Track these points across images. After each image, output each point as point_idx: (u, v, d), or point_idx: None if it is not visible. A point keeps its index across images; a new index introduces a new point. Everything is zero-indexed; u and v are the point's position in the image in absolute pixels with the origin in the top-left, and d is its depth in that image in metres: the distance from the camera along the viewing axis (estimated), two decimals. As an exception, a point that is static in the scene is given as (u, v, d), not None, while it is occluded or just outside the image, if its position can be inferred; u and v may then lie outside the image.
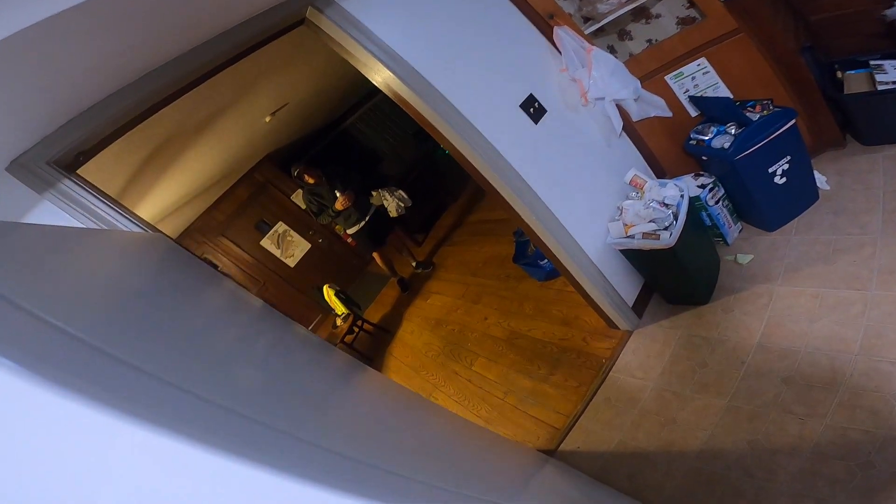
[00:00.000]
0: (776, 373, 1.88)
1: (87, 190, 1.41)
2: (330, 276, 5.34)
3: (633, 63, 2.51)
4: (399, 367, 3.87)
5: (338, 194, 4.23)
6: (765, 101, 2.27)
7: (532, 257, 3.34)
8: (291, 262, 6.16)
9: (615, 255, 2.44)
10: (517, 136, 2.21)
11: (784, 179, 2.26)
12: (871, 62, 2.39)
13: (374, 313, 5.17)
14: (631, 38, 2.54)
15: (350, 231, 4.60)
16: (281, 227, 6.10)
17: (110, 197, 1.48)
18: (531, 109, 2.26)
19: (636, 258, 2.40)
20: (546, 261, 3.18)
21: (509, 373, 2.89)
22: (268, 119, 4.07)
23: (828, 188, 2.38)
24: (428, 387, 3.31)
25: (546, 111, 2.31)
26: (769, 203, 2.33)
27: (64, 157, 1.38)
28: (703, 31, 2.36)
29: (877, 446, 1.49)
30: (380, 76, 2.00)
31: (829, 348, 1.82)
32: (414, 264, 5.13)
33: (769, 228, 2.42)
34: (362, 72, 2.04)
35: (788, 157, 2.23)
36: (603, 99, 2.40)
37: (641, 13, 2.44)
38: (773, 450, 1.69)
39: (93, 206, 1.41)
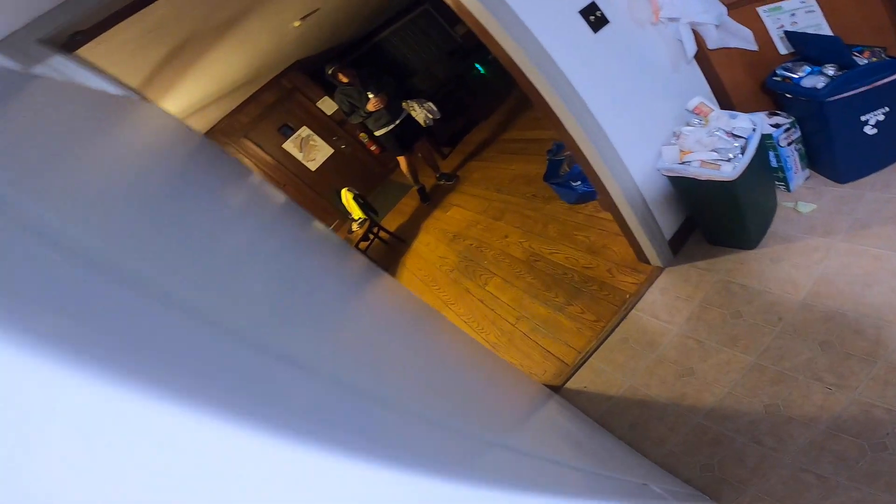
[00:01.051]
0: (815, 335, 1.72)
1: (85, 68, 1.22)
2: (350, 181, 5.27)
3: None
4: (411, 280, 3.80)
5: (370, 95, 4.21)
6: (876, 49, 1.92)
7: (564, 177, 3.11)
8: (313, 166, 6.15)
9: (661, 183, 2.22)
10: (573, 44, 1.93)
11: (875, 131, 1.97)
12: None
13: (392, 222, 5.07)
14: None
15: (378, 133, 4.57)
16: (304, 131, 6.06)
17: (116, 78, 1.29)
18: (591, 17, 1.95)
19: (686, 188, 2.17)
20: (579, 182, 2.95)
21: (524, 297, 2.78)
22: (297, 24, 3.84)
23: None
24: (438, 303, 3.24)
25: (608, 21, 1.99)
26: (850, 153, 2.06)
27: (58, 36, 1.21)
28: None
29: (896, 428, 1.37)
30: None
31: (879, 316, 1.65)
32: (437, 175, 5.03)
33: (841, 180, 2.15)
34: None
35: (887, 109, 1.93)
36: (678, 20, 2.07)
37: None
38: (789, 417, 1.58)
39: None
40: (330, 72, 4.27)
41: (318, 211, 5.85)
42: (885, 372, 1.51)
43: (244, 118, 5.73)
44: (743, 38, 2.18)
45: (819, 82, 1.94)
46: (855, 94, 1.89)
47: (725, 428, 1.68)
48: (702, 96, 2.19)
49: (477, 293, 3.07)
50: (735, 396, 1.74)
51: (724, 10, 2.11)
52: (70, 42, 1.25)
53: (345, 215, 4.95)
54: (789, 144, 2.16)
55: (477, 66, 5.97)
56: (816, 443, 1.47)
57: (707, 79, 2.37)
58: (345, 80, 4.23)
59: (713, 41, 2.21)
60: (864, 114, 1.95)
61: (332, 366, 0.52)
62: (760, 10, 2.11)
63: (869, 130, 1.98)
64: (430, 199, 4.93)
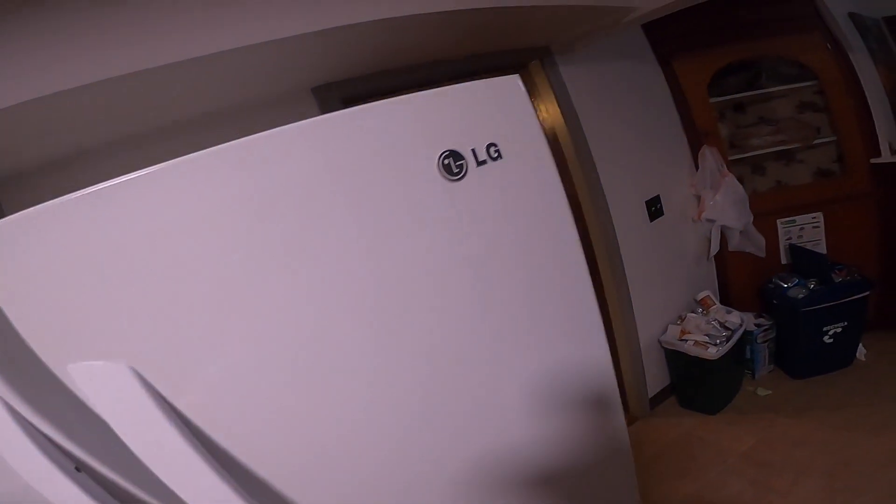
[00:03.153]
0: (747, 476, 2.20)
1: None
2: None
3: (755, 197, 2.74)
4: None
5: None
6: (852, 267, 2.59)
7: None
8: None
9: (658, 352, 2.78)
10: (630, 221, 2.57)
11: (832, 340, 2.58)
12: None
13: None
14: (763, 174, 2.87)
15: None
16: None
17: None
18: (653, 208, 2.63)
19: (675, 360, 2.71)
20: None
21: None
22: None
23: (863, 360, 2.71)
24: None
25: (663, 214, 2.68)
26: (809, 356, 2.64)
27: (349, 97, 1.81)
28: (835, 186, 2.66)
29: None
30: (548, 111, 2.41)
31: (801, 467, 2.15)
32: None
33: (796, 377, 2.73)
34: (537, 104, 2.40)
35: (845, 323, 2.55)
36: (714, 221, 2.69)
37: (785, 155, 2.78)
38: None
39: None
40: None
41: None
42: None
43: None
44: (756, 246, 2.73)
45: (801, 293, 2.56)
46: (823, 308, 2.49)
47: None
48: (709, 290, 2.83)
49: None
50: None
51: (751, 218, 2.67)
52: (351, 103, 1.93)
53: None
54: (764, 342, 2.77)
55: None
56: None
57: (718, 274, 3.00)
58: None
59: (734, 244, 2.75)
60: (826, 325, 2.54)
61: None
62: (779, 220, 2.76)
63: (826, 339, 2.56)
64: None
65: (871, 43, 2.81)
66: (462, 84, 0.91)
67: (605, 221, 2.48)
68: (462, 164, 0.88)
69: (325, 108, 1.79)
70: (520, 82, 0.97)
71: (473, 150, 0.89)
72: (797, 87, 2.72)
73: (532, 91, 2.42)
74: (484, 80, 0.93)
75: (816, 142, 2.70)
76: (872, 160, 2.58)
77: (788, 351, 2.76)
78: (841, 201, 2.68)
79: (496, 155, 0.92)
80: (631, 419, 2.79)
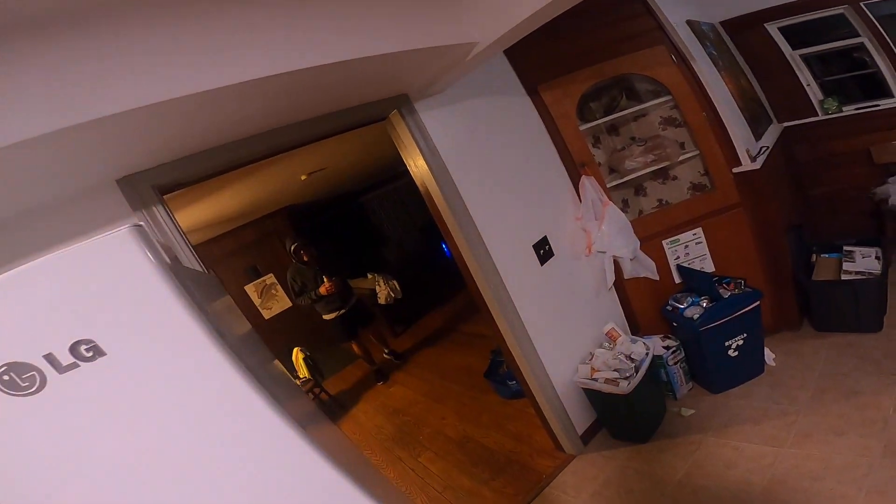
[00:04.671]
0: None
1: (169, 217, 1.62)
2: (298, 337, 5.31)
3: (639, 222, 2.78)
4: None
5: (325, 279, 4.28)
6: (738, 280, 2.64)
7: (503, 376, 3.53)
8: (267, 314, 6.18)
9: (577, 390, 2.68)
10: (521, 270, 2.50)
11: (737, 353, 2.58)
12: (845, 247, 2.77)
13: (333, 386, 5.15)
14: (645, 195, 2.92)
15: (327, 317, 4.62)
16: (270, 279, 6.20)
17: (182, 230, 1.67)
18: (541, 251, 2.59)
19: (594, 397, 2.64)
20: (514, 382, 3.30)
21: (453, 470, 2.95)
22: (304, 177, 4.25)
23: (773, 364, 2.71)
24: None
25: (553, 255, 2.63)
26: (719, 371, 2.63)
27: (166, 185, 1.64)
28: (708, 201, 2.70)
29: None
30: (417, 166, 2.28)
31: (736, 489, 2.06)
32: (386, 352, 5.20)
33: (714, 391, 2.69)
34: (405, 157, 2.32)
35: (745, 335, 2.56)
36: (604, 253, 2.69)
37: (661, 173, 2.83)
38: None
39: (168, 232, 1.60)
40: (292, 248, 4.32)
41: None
42: None
43: (217, 250, 5.71)
44: (648, 269, 2.77)
45: (696, 313, 2.56)
46: (720, 324, 2.50)
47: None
48: (613, 321, 2.78)
49: (409, 462, 3.19)
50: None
51: (637, 244, 2.70)
52: (168, 190, 1.64)
53: (290, 371, 5.02)
54: (675, 364, 2.72)
55: (445, 247, 6.43)
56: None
57: (621, 303, 2.99)
58: (305, 258, 4.29)
59: (627, 271, 2.77)
60: (727, 340, 2.54)
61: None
62: (665, 241, 2.79)
63: (732, 353, 2.56)
64: (388, 379, 4.83)
65: (710, 49, 2.88)
66: (25, 267, 0.67)
67: (490, 274, 2.39)
68: (33, 376, 0.65)
69: (137, 200, 1.50)
70: (133, 236, 0.72)
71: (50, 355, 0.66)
72: (657, 104, 2.76)
73: (397, 144, 2.27)
74: (71, 247, 0.70)
75: (683, 157, 2.78)
76: (734, 170, 2.66)
77: (700, 368, 2.74)
78: (715, 214, 2.73)
79: (91, 354, 0.68)
80: (567, 458, 2.66)
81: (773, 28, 3.50)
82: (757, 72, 3.62)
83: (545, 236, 2.61)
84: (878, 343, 2.63)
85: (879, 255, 2.70)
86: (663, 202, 2.95)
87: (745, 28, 3.47)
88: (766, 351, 2.72)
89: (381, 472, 3.13)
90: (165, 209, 1.60)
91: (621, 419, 2.60)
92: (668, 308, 2.78)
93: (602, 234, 2.63)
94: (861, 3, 3.24)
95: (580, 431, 2.71)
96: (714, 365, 2.62)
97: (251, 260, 6.11)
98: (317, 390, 4.55)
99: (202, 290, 0.95)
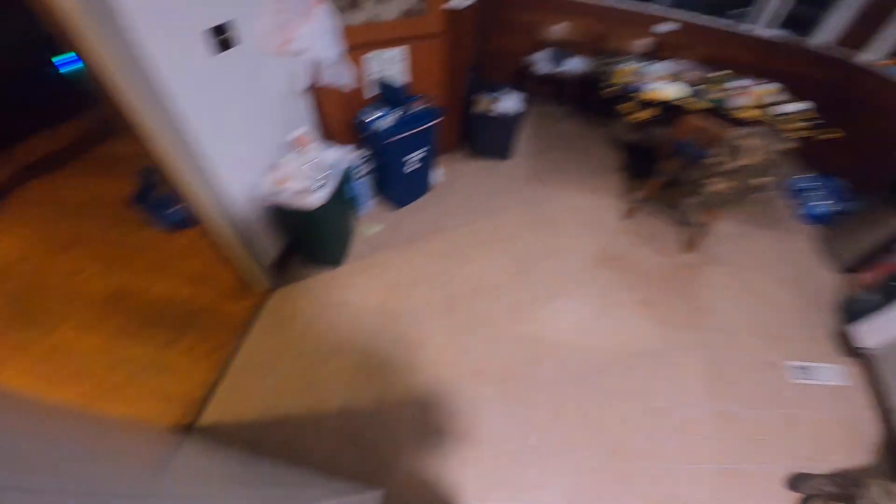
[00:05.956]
0: (389, 334, 2.28)
1: None
2: None
3: (347, 31, 2.46)
4: None
5: None
6: (427, 97, 2.74)
7: (158, 201, 2.80)
8: None
9: (263, 211, 2.34)
10: (188, 59, 1.74)
11: (416, 167, 2.78)
12: (501, 91, 3.34)
13: None
14: (360, 9, 2.49)
15: None
16: None
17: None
18: (221, 37, 1.84)
19: (282, 216, 2.35)
20: (179, 206, 2.72)
21: (115, 341, 2.28)
22: None
23: (443, 181, 3.12)
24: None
25: (233, 45, 1.92)
26: (400, 185, 2.80)
27: None
28: (416, 25, 2.65)
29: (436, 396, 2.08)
30: None
31: (422, 307, 2.38)
32: None
33: (398, 205, 2.91)
34: None
35: (425, 150, 2.75)
36: (302, 53, 2.22)
37: None
38: (396, 402, 2.03)
39: None
40: None
41: None
42: (434, 353, 2.21)
43: None
44: (346, 78, 2.48)
45: (384, 126, 2.52)
46: (402, 138, 2.57)
47: (356, 424, 1.96)
48: (305, 128, 2.39)
49: (40, 345, 2.30)
50: (352, 396, 2.05)
51: (342, 49, 2.38)
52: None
53: None
54: (364, 176, 2.73)
55: (59, 60, 4.19)
56: (418, 417, 1.97)
57: (314, 111, 2.65)
58: None
59: (325, 78, 2.42)
60: (408, 154, 2.68)
61: None
62: (367, 55, 2.59)
63: (411, 167, 2.74)
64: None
65: None
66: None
67: (124, 53, 1.51)
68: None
69: None
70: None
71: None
72: None
73: None
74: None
75: None
76: (446, 5, 2.65)
77: (385, 183, 2.85)
78: (421, 39, 2.73)
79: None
80: (264, 296, 2.45)
81: None
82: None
83: (230, 21, 1.88)
84: (508, 169, 3.40)
85: (522, 101, 3.37)
86: (376, 17, 2.59)
87: None
88: (438, 169, 3.08)
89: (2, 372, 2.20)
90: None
91: (312, 241, 2.47)
92: (360, 119, 2.66)
93: (307, 33, 2.15)
94: None
95: (271, 260, 2.49)
96: (396, 178, 2.75)
97: None
98: None
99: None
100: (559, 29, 4.20)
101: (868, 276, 2.75)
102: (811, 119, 3.10)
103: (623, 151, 3.95)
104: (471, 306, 2.42)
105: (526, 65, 4.26)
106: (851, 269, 2.95)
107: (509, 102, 3.29)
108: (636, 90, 3.13)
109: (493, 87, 3.41)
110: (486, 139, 3.41)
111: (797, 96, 3.30)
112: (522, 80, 4.27)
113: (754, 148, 2.35)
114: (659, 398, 2.15)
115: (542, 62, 4.14)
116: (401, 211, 2.87)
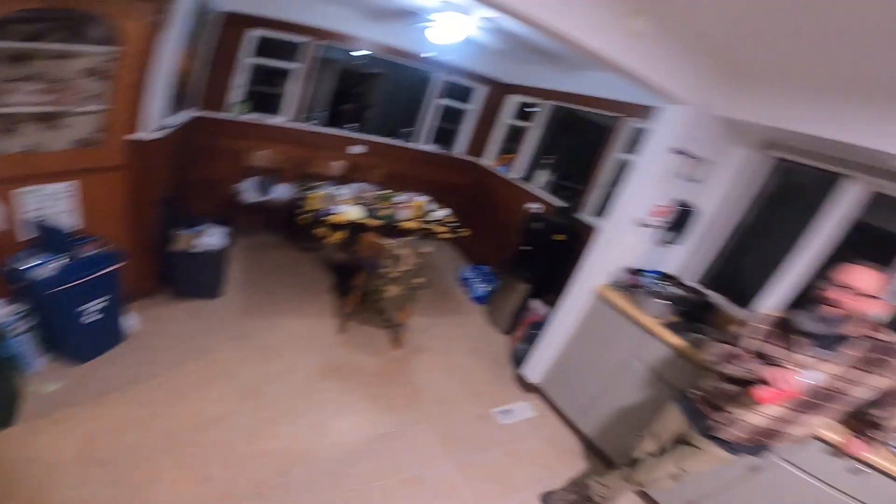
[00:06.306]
0: (105, 477, 1.96)
1: None
2: None
3: None
4: None
5: None
6: (103, 239, 2.43)
7: None
8: None
9: None
10: None
11: (98, 317, 2.42)
12: (203, 225, 3.20)
13: None
14: (17, 135, 2.14)
15: None
16: None
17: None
18: None
19: None
20: None
21: None
22: None
23: (139, 328, 2.80)
24: None
25: None
26: (80, 338, 2.41)
27: None
28: (94, 157, 2.42)
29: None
30: None
31: (133, 450, 2.10)
32: None
33: (81, 360, 2.47)
34: None
35: (107, 297, 2.44)
36: None
37: (50, 118, 2.19)
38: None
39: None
40: None
41: None
42: (170, 487, 1.96)
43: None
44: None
45: (44, 274, 2.15)
46: (77, 286, 2.23)
47: None
48: None
49: None
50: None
51: None
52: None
53: None
54: (25, 332, 2.23)
55: None
56: None
57: None
58: None
59: None
60: (86, 303, 2.33)
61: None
62: (19, 190, 2.15)
63: (92, 317, 2.37)
64: None
65: (192, 26, 2.91)
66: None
67: None
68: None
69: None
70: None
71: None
72: (96, 52, 2.29)
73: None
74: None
75: (85, 109, 2.31)
76: (129, 136, 2.51)
77: (59, 336, 2.38)
78: (96, 172, 2.47)
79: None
80: None
81: (252, 34, 4.11)
82: (214, 62, 3.97)
83: None
84: (219, 307, 3.30)
85: (228, 234, 3.37)
86: (30, 149, 2.24)
87: (233, 24, 3.92)
88: (130, 316, 2.77)
89: None
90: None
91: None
92: (14, 268, 2.18)
93: None
94: (316, 42, 4.34)
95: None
96: (73, 331, 2.36)
97: None
98: None
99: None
100: (263, 155, 4.42)
101: (520, 331, 3.76)
102: (451, 222, 4.12)
103: (332, 272, 4.29)
104: (200, 438, 2.27)
105: (233, 194, 4.28)
106: (509, 329, 3.99)
107: (213, 237, 3.23)
108: (326, 214, 3.49)
109: (194, 221, 3.31)
110: (190, 279, 3.17)
111: (444, 203, 4.37)
112: (230, 209, 4.16)
113: (407, 255, 3.04)
114: (409, 469, 2.43)
115: (249, 191, 4.28)
116: (85, 365, 2.44)
